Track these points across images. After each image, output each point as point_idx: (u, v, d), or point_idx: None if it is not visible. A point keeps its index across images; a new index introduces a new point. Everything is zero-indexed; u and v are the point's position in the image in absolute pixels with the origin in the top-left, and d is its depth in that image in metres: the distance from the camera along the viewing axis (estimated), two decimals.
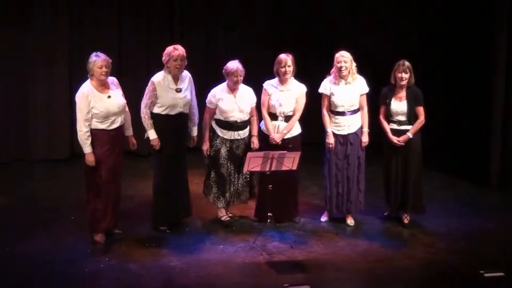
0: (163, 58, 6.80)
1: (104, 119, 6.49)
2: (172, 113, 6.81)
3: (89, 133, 6.47)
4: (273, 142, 7.07)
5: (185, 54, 6.79)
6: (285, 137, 7.10)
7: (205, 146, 7.08)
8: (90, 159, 6.47)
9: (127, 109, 6.75)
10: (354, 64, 7.09)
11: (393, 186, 7.26)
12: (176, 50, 6.75)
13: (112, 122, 6.54)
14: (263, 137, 7.21)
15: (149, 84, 6.81)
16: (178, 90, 6.81)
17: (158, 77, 6.81)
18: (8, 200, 7.95)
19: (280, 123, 7.12)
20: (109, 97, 6.52)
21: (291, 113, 7.12)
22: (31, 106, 9.59)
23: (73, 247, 6.57)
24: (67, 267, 6.12)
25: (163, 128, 6.82)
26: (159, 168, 6.93)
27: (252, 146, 7.11)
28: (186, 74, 6.93)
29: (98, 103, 6.45)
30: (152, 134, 6.81)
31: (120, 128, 6.65)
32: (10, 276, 5.97)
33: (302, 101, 7.15)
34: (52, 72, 9.60)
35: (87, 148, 6.46)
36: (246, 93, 7.12)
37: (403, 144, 7.15)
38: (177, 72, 6.79)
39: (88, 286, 5.85)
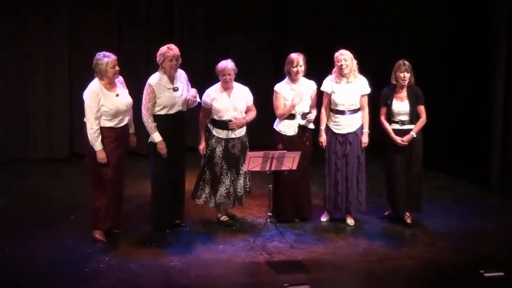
0: (157, 59, 6.78)
1: (113, 118, 6.53)
2: (172, 112, 6.80)
3: (99, 131, 6.51)
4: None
5: (179, 53, 6.78)
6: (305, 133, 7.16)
7: (201, 145, 7.10)
8: (101, 156, 6.50)
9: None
10: (355, 62, 7.10)
11: (399, 187, 7.22)
12: (170, 50, 6.72)
13: (121, 121, 6.60)
14: (278, 136, 7.19)
15: (146, 87, 6.77)
16: (175, 89, 6.79)
17: (154, 79, 6.79)
18: (8, 200, 7.95)
19: (300, 122, 7.13)
20: (117, 95, 6.57)
21: (307, 111, 7.15)
22: (31, 106, 9.60)
23: (73, 247, 6.57)
24: (67, 267, 6.11)
25: (164, 128, 6.79)
26: (159, 167, 6.89)
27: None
28: (180, 72, 6.91)
29: (107, 101, 6.49)
30: (157, 137, 6.71)
31: (126, 127, 6.70)
32: (10, 276, 5.96)
33: (315, 97, 7.24)
34: (52, 72, 9.61)
35: (98, 145, 6.49)
36: (241, 92, 7.11)
37: (407, 143, 7.15)
38: (172, 72, 6.77)
39: (88, 286, 5.85)
